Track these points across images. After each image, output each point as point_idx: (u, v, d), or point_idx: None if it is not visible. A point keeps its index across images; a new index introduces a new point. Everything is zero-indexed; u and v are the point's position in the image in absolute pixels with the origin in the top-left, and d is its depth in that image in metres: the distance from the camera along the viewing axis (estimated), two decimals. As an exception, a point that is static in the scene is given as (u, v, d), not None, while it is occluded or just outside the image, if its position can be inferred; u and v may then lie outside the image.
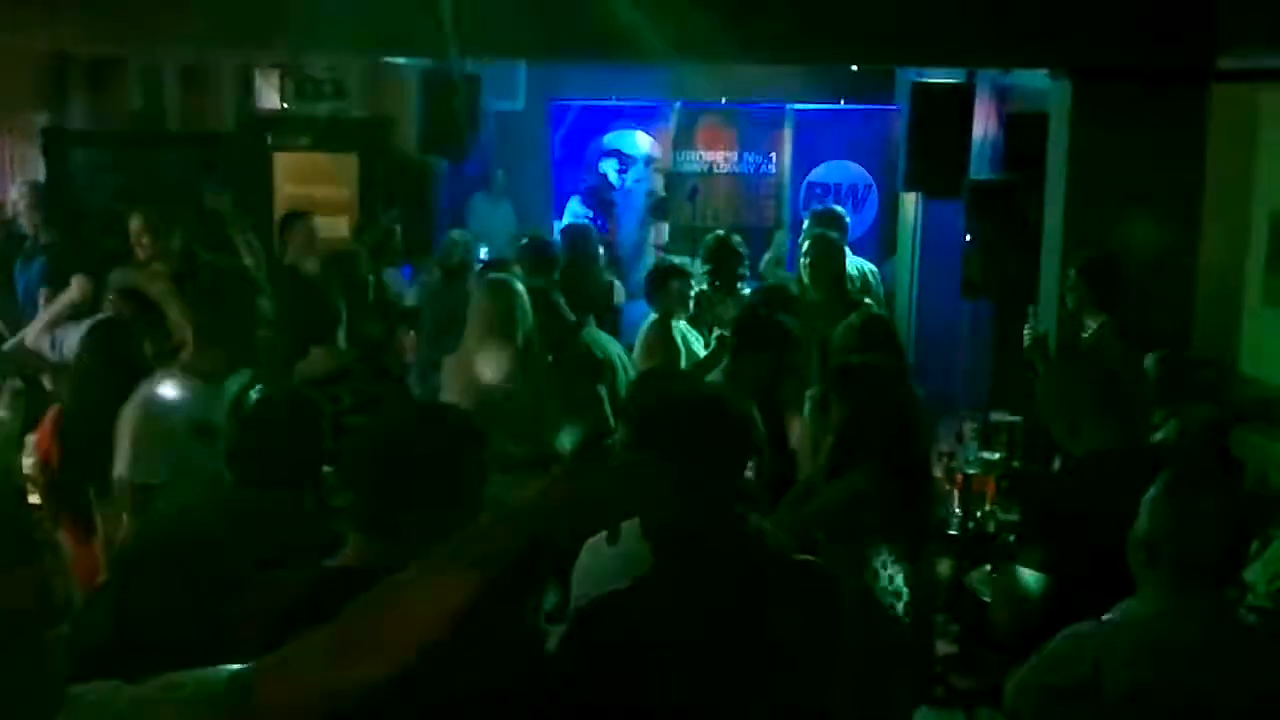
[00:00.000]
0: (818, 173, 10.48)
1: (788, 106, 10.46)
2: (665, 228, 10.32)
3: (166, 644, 2.57)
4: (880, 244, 9.89)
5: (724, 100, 10.59)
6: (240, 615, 2.36)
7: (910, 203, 9.50)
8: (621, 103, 10.57)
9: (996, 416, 5.34)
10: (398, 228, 8.19)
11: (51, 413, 4.78)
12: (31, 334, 5.62)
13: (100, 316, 5.07)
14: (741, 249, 6.51)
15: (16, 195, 7.60)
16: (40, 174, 8.75)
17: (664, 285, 5.97)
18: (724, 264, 6.34)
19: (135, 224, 6.07)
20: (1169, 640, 2.49)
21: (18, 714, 1.84)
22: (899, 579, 3.45)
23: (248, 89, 9.83)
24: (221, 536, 2.87)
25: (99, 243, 7.02)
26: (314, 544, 2.66)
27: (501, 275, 5.33)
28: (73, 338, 5.02)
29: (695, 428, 2.44)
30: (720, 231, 6.90)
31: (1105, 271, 5.66)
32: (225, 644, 2.28)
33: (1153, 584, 2.55)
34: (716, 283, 6.26)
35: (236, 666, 1.99)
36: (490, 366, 4.70)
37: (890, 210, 10.13)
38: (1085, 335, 5.58)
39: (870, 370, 3.80)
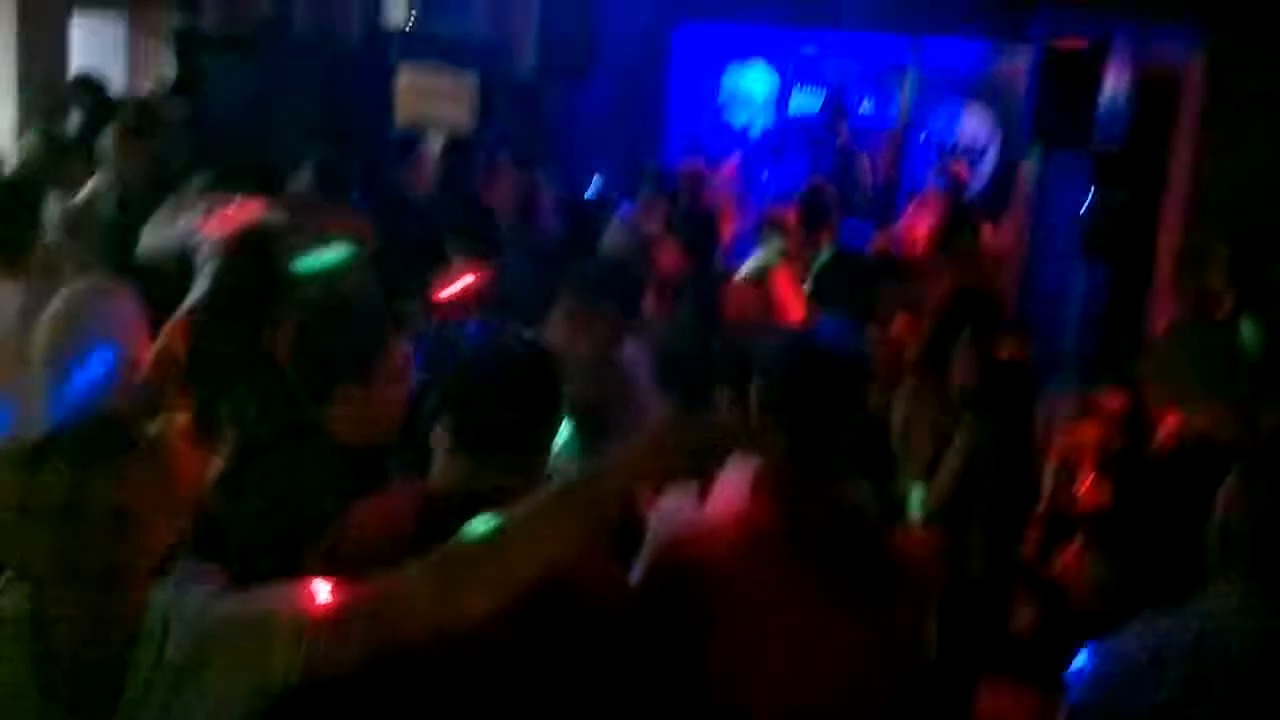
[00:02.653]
0: (939, 127, 10.24)
1: (916, 40, 10.14)
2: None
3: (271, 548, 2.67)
4: (998, 203, 9.69)
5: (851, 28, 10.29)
6: (341, 539, 2.40)
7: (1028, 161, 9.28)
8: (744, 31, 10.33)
9: (1100, 389, 5.23)
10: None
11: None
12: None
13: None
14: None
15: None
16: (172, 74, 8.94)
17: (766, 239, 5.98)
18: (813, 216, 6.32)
19: None
20: (1233, 633, 2.44)
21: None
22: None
23: (375, 1, 9.89)
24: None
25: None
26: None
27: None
28: None
29: (814, 380, 2.49)
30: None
31: (1257, 251, 5.45)
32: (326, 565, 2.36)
33: (1225, 576, 2.50)
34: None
35: (328, 589, 2.05)
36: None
37: (1012, 165, 9.90)
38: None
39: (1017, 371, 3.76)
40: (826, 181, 7.50)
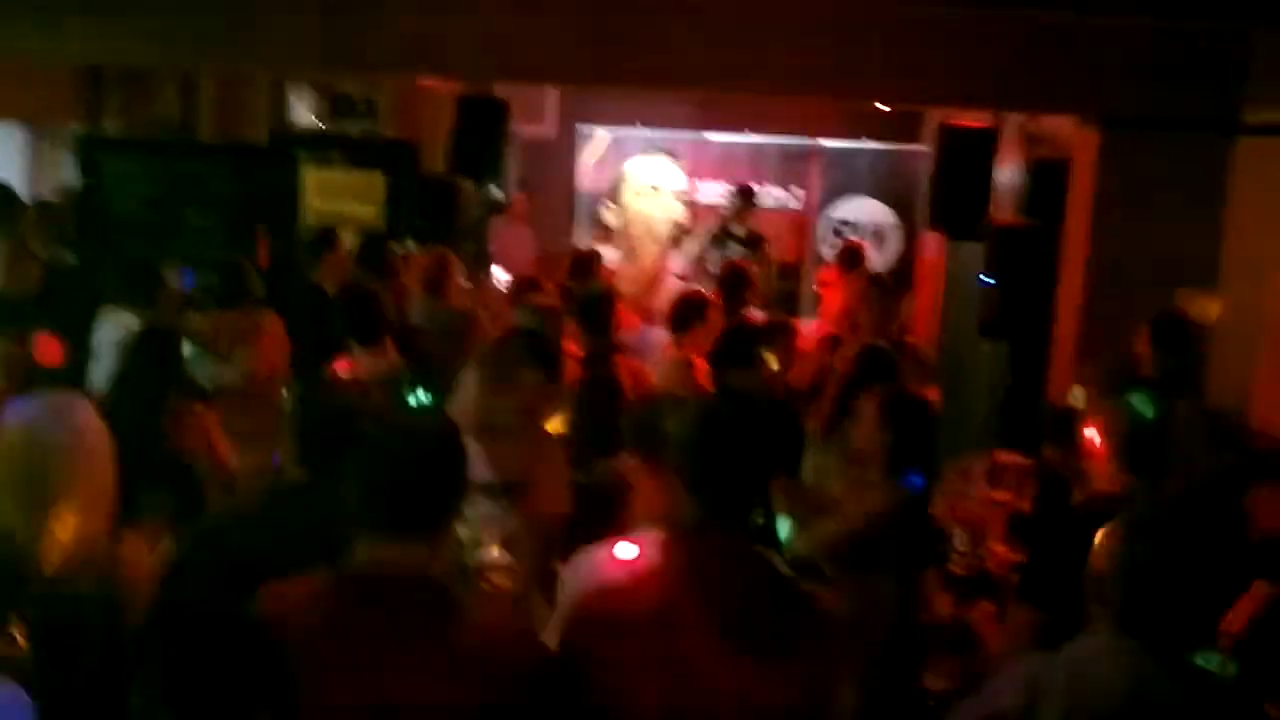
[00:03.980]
0: (842, 209, 10.54)
1: (815, 142, 10.54)
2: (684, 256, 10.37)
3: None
4: (901, 283, 9.93)
5: (750, 133, 10.67)
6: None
7: (933, 243, 9.54)
8: (648, 131, 10.66)
9: (1006, 456, 5.36)
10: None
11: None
12: None
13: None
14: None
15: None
16: (74, 180, 8.87)
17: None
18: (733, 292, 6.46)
19: None
20: (1102, 676, 2.51)
21: None
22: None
23: (281, 103, 9.93)
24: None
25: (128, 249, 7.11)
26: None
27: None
28: None
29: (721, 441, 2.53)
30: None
31: (1175, 329, 5.65)
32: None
33: (1098, 622, 2.59)
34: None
35: None
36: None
37: (913, 250, 10.19)
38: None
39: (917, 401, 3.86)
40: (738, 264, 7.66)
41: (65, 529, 2.65)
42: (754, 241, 9.51)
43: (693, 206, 10.59)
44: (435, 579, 2.41)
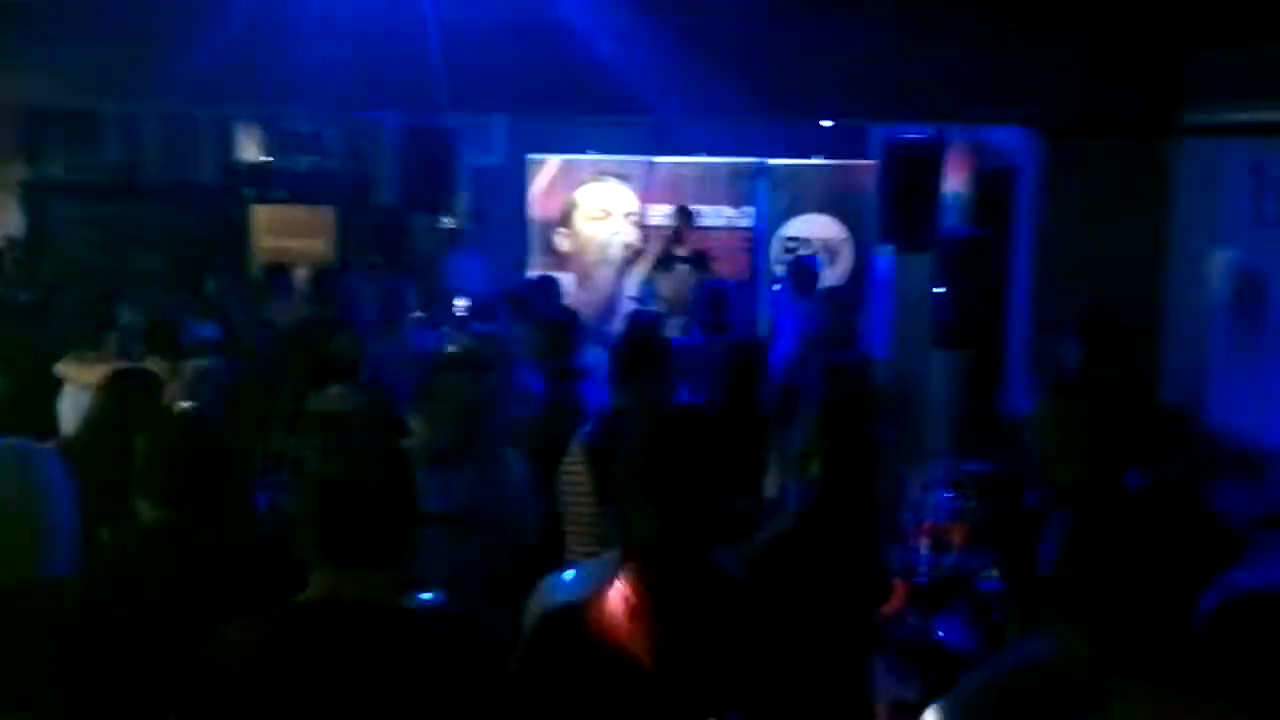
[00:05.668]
0: (793, 227, 10.60)
1: (763, 161, 10.61)
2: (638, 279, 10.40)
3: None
4: (855, 297, 10.00)
5: (700, 155, 10.72)
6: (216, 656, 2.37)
7: (886, 257, 9.61)
8: (598, 157, 10.69)
9: (965, 465, 5.37)
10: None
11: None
12: None
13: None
14: None
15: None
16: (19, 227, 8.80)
17: None
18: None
19: None
20: (1062, 679, 2.51)
21: None
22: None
23: (227, 141, 9.89)
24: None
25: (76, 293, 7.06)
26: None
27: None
28: None
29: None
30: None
31: (1104, 327, 5.70)
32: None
33: (1055, 621, 2.59)
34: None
35: None
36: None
37: (864, 264, 10.26)
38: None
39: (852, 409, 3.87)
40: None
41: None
42: (698, 260, 9.57)
43: (644, 230, 10.61)
44: (392, 607, 2.40)
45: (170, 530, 3.04)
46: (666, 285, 9.40)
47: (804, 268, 8.94)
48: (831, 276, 10.11)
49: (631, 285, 10.12)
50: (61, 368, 5.74)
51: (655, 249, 10.03)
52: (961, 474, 5.15)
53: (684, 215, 9.96)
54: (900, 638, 3.96)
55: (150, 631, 2.66)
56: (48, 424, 5.39)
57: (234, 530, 3.23)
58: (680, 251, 9.70)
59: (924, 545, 4.70)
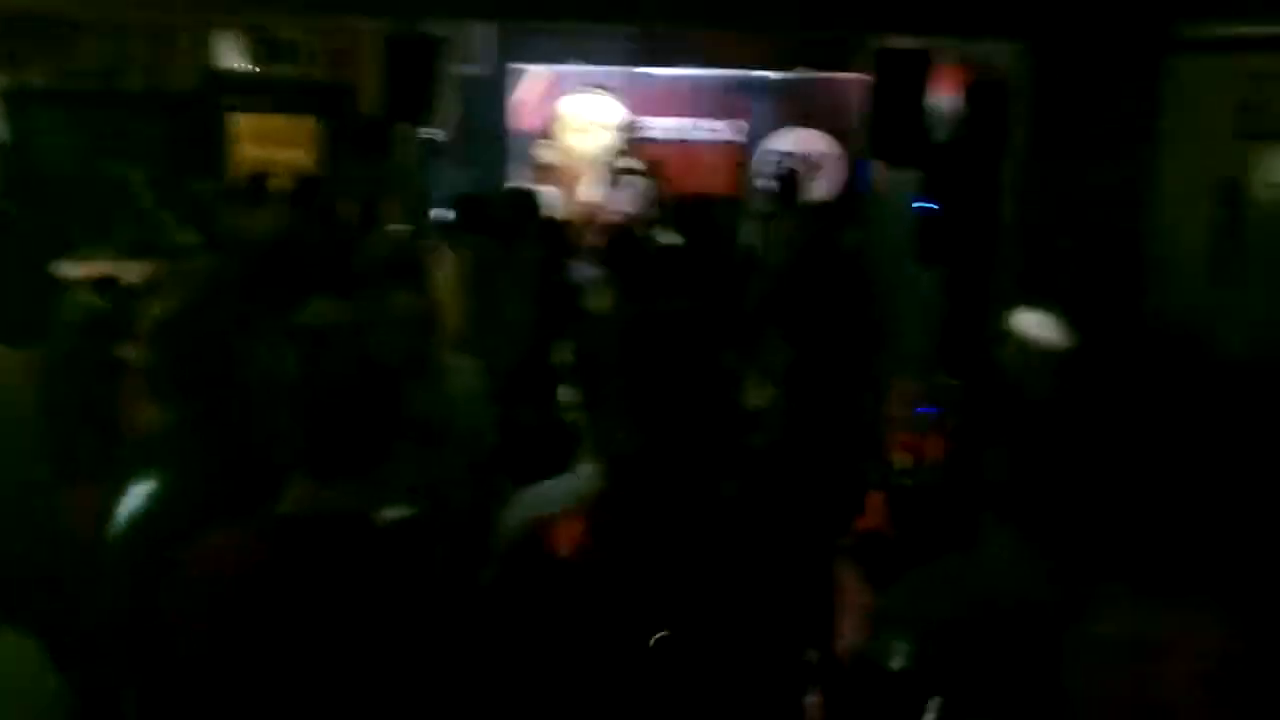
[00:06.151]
0: (781, 141, 10.50)
1: (753, 73, 10.47)
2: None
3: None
4: (843, 212, 9.92)
5: (687, 68, 10.58)
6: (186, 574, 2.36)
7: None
8: (585, 68, 10.54)
9: (944, 380, 5.39)
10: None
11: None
12: None
13: None
14: None
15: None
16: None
17: None
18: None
19: None
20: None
21: None
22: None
23: (209, 49, 9.73)
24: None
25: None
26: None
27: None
28: None
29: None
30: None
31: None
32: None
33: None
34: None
35: None
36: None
37: (854, 179, 10.18)
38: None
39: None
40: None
41: None
42: (650, 170, 9.52)
43: (634, 143, 10.49)
44: (370, 518, 2.39)
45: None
46: (623, 198, 9.36)
47: (784, 179, 8.88)
48: (821, 191, 10.04)
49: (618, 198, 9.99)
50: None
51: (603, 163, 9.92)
52: (942, 388, 5.17)
53: (629, 127, 9.83)
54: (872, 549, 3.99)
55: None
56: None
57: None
58: (629, 164, 9.58)
59: (900, 458, 4.73)
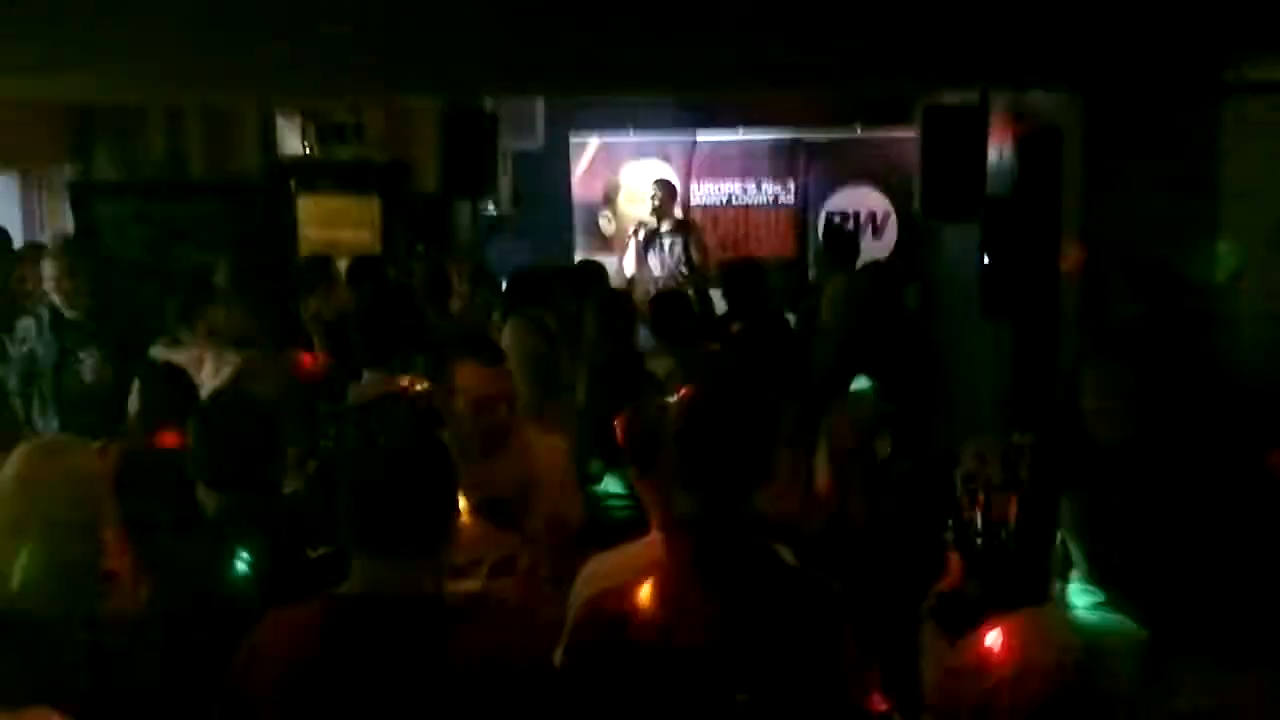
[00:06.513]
0: (836, 201, 10.50)
1: (806, 134, 10.51)
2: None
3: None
4: (901, 270, 9.88)
5: (741, 131, 10.63)
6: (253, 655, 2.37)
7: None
8: (639, 137, 10.64)
9: (1019, 437, 5.30)
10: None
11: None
12: None
13: None
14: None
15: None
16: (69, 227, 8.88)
17: None
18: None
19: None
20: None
21: None
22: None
23: (270, 135, 9.93)
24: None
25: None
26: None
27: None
28: None
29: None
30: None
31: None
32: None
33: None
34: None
35: None
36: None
37: (910, 235, 10.15)
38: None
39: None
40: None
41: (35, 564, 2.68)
42: (683, 228, 9.45)
43: (688, 208, 10.54)
44: (433, 597, 2.39)
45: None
46: (655, 264, 9.29)
47: (839, 237, 8.83)
48: (878, 249, 10.01)
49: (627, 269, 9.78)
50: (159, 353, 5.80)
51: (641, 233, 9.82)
52: (1013, 448, 5.08)
53: (664, 188, 9.77)
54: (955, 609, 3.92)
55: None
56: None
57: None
58: (665, 226, 9.53)
59: (979, 520, 4.65)
